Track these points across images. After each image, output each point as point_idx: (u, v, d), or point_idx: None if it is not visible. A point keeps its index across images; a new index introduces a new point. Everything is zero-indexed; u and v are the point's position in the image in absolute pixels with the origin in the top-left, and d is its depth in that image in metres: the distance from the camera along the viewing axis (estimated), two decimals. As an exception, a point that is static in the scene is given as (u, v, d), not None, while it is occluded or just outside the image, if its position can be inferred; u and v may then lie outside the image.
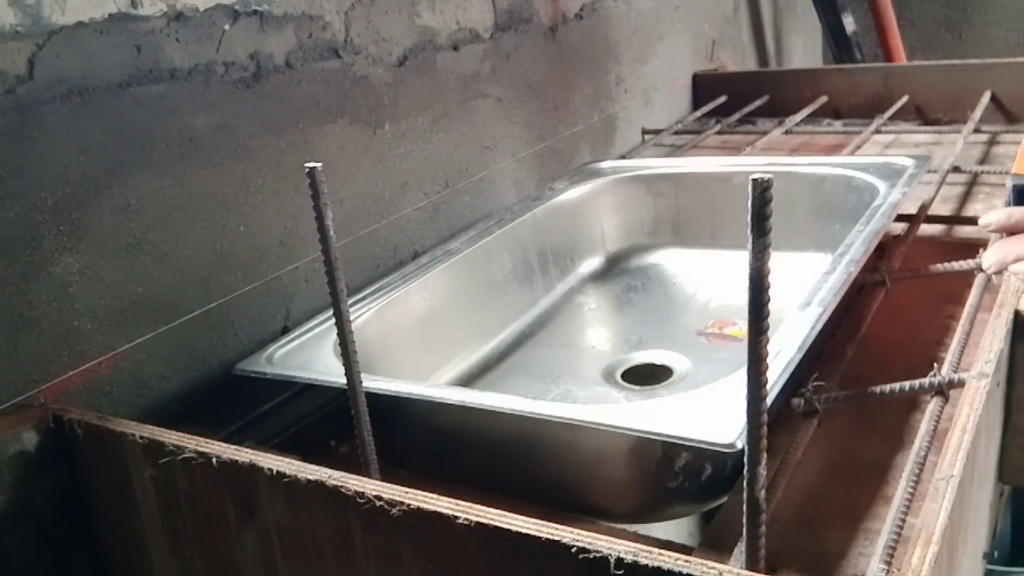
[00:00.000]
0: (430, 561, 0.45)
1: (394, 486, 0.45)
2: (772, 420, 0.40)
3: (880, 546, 0.45)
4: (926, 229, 0.94)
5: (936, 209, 0.97)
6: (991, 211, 0.76)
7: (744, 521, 0.40)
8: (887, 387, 0.59)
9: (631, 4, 1.31)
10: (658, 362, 0.82)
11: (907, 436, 0.59)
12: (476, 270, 0.87)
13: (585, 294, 0.98)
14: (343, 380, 0.52)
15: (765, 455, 0.39)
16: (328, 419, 0.70)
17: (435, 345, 0.81)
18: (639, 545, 0.39)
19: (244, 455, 0.49)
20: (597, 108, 1.24)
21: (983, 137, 1.23)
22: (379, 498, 0.45)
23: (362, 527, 0.46)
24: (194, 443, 0.51)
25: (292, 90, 0.77)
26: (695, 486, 0.58)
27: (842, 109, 1.44)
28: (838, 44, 1.85)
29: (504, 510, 0.42)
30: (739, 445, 0.47)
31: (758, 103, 1.44)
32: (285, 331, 0.75)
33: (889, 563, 0.44)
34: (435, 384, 0.77)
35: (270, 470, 0.48)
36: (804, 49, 2.09)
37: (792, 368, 0.54)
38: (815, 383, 0.62)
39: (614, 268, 1.03)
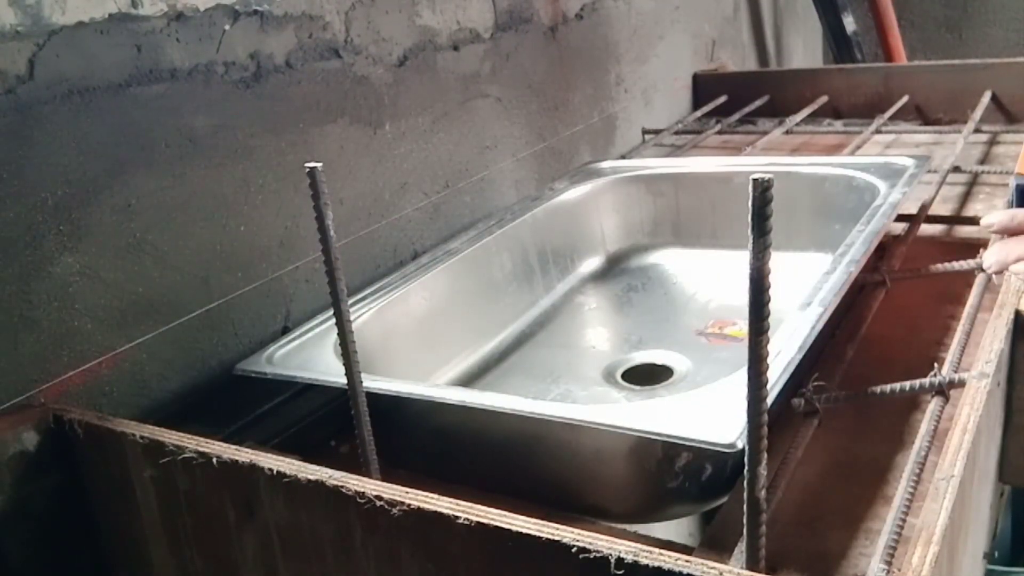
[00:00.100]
0: (430, 561, 0.45)
1: (394, 486, 0.45)
2: (772, 420, 0.40)
3: (880, 546, 0.45)
4: (926, 229, 0.94)
5: (936, 209, 0.97)
6: (993, 212, 0.76)
7: (744, 521, 0.40)
8: (887, 387, 0.59)
9: (631, 4, 1.31)
10: (658, 362, 0.82)
11: (907, 436, 0.59)
12: (476, 270, 0.87)
13: (585, 294, 0.98)
14: (343, 380, 0.52)
15: (765, 455, 0.39)
16: (328, 419, 0.70)
17: (435, 345, 0.81)
18: (639, 545, 0.39)
19: (244, 455, 0.49)
20: (597, 108, 1.24)
21: (983, 137, 1.23)
22: (379, 498, 0.45)
23: (362, 527, 0.46)
24: (194, 443, 0.51)
25: (292, 90, 0.77)
26: (695, 486, 0.58)
27: (842, 109, 1.43)
28: (838, 44, 1.85)
29: (504, 510, 0.42)
30: (739, 445, 0.47)
31: (758, 103, 1.44)
32: (285, 331, 0.75)
33: (889, 563, 0.44)
34: (435, 384, 0.77)
35: (270, 470, 0.48)
36: (804, 49, 2.09)
37: (792, 368, 0.54)
38: (815, 383, 0.62)
39: (614, 268, 1.03)
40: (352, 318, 0.51)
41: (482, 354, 0.85)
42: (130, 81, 0.64)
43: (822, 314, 0.61)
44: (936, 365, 0.58)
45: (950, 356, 0.61)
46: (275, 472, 0.48)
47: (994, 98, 1.31)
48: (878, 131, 1.27)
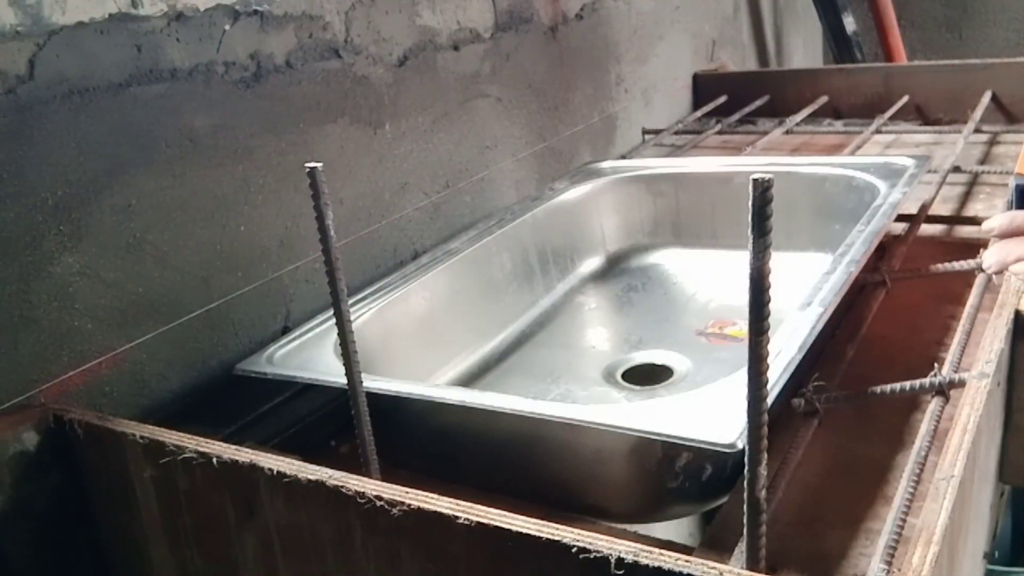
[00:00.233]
0: (430, 561, 0.45)
1: (394, 486, 0.45)
2: (772, 420, 0.40)
3: (880, 546, 0.45)
4: (926, 229, 0.94)
5: (936, 209, 0.97)
6: (994, 216, 0.76)
7: (744, 521, 0.40)
8: (887, 387, 0.59)
9: (631, 4, 1.31)
10: (658, 362, 0.82)
11: (907, 436, 0.59)
12: (476, 270, 0.87)
13: (585, 294, 0.98)
14: (343, 380, 0.52)
15: (765, 455, 0.39)
16: (328, 419, 0.70)
17: (435, 345, 0.81)
18: (639, 545, 0.39)
19: (244, 455, 0.49)
20: (597, 108, 1.24)
21: (983, 137, 1.23)
22: (379, 498, 0.45)
23: (362, 527, 0.46)
24: (194, 443, 0.51)
25: (292, 90, 0.77)
26: (695, 486, 0.58)
27: (842, 109, 1.43)
28: (838, 44, 1.85)
29: (504, 510, 0.42)
30: (739, 445, 0.47)
31: (758, 103, 1.44)
32: (285, 331, 0.75)
33: (889, 563, 0.44)
34: (435, 384, 0.77)
35: (270, 470, 0.48)
36: (804, 49, 2.09)
37: (792, 368, 0.54)
38: (815, 383, 0.62)
39: (614, 268, 1.03)
40: (352, 318, 0.51)
41: (482, 354, 0.85)
42: (130, 81, 0.64)
43: (822, 314, 0.61)
44: (936, 365, 0.58)
45: (950, 356, 0.61)
46: (275, 472, 0.48)
47: (994, 98, 1.31)
48: (878, 131, 1.27)
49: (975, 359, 0.59)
